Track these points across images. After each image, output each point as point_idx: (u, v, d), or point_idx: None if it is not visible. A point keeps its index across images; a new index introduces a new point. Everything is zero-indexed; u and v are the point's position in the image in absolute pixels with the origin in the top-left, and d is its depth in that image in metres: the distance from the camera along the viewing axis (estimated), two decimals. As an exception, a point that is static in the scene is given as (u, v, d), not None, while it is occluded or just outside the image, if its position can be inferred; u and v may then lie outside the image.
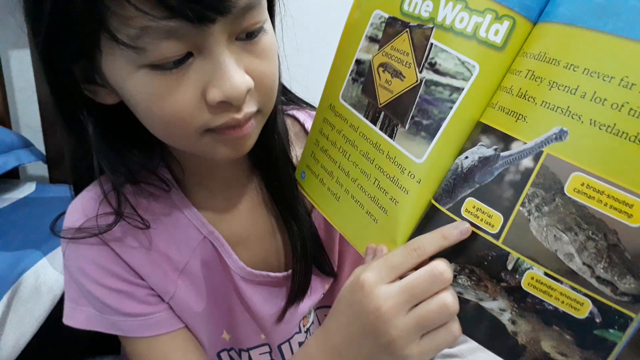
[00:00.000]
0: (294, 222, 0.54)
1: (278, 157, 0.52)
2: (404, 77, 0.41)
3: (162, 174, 0.52)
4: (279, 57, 0.47)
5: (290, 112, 0.57)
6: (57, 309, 0.74)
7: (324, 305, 0.63)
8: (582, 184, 0.33)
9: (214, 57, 0.38)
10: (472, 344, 0.70)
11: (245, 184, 0.55)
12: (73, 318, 0.53)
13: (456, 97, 0.38)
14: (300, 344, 0.60)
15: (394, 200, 0.41)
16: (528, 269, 0.36)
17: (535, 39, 0.37)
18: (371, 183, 0.43)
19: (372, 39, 0.43)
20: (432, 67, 0.39)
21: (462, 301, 0.38)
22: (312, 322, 0.62)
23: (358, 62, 0.44)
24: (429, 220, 0.40)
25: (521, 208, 0.36)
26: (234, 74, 0.39)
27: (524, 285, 0.36)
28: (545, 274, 0.35)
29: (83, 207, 0.51)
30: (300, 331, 0.60)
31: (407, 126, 0.40)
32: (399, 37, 0.41)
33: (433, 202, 0.40)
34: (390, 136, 0.42)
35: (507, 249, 0.36)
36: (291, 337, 0.59)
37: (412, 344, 0.37)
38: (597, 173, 0.32)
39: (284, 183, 0.53)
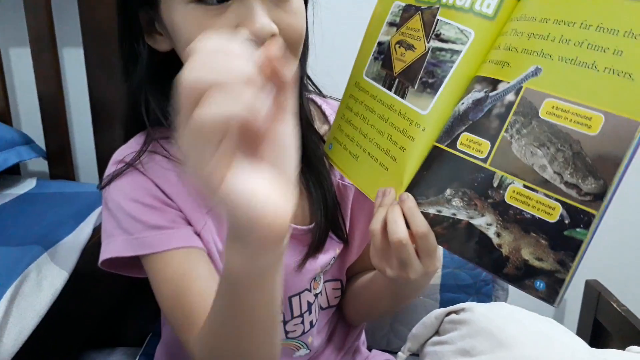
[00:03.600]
0: (317, 182, 0.61)
1: (304, 123, 0.60)
2: (415, 48, 0.50)
3: None
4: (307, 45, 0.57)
5: (310, 96, 0.66)
6: (58, 304, 0.75)
7: (333, 279, 0.70)
8: (553, 107, 0.41)
9: (248, 3, 0.48)
10: (461, 331, 0.72)
11: None
12: (107, 250, 0.58)
13: (456, 58, 0.46)
14: (309, 302, 0.67)
15: (402, 148, 0.49)
16: (510, 183, 0.42)
17: (520, 7, 0.45)
18: (384, 138, 0.51)
19: (391, 24, 0.53)
20: (438, 37, 0.48)
21: (455, 222, 0.45)
22: (321, 292, 0.69)
23: (379, 44, 0.54)
24: (430, 158, 0.48)
25: (505, 134, 0.43)
26: (262, 18, 0.47)
27: (507, 198, 0.43)
28: (524, 186, 0.42)
29: (126, 146, 0.60)
30: (310, 291, 0.66)
31: (415, 86, 0.49)
32: (413, 18, 0.50)
33: (435, 143, 0.48)
34: (402, 97, 0.50)
35: (493, 169, 0.43)
36: (301, 292, 0.65)
37: None
38: (563, 96, 0.40)
39: (308, 147, 0.61)
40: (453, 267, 1.04)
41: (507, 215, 0.43)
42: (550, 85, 0.41)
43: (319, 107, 0.67)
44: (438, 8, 0.48)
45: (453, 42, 0.46)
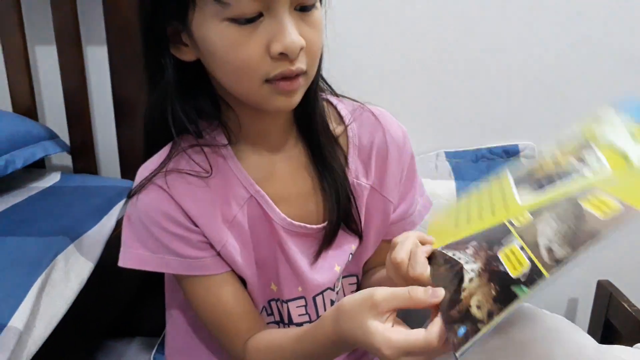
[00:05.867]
0: (330, 179, 0.64)
1: (319, 125, 0.64)
2: (560, 162, 0.53)
3: (221, 134, 0.62)
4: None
5: (325, 96, 0.68)
6: (82, 294, 0.78)
7: (350, 274, 0.73)
8: (594, 197, 0.42)
9: (279, 19, 0.51)
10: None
11: (289, 150, 0.66)
12: (123, 260, 0.63)
13: (576, 176, 0.48)
14: (332, 301, 0.70)
15: (480, 217, 0.54)
16: (512, 242, 0.43)
17: None
18: (484, 203, 0.56)
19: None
20: (580, 158, 0.50)
21: (455, 264, 0.46)
22: (340, 288, 0.72)
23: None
24: (492, 227, 0.50)
25: (547, 211, 0.44)
26: (292, 33, 0.51)
27: (499, 252, 0.43)
28: (520, 246, 0.42)
29: (151, 161, 0.62)
30: (334, 289, 0.69)
31: (535, 184, 0.52)
32: (572, 143, 0.54)
33: (504, 221, 0.50)
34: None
35: (515, 234, 0.44)
36: (324, 291, 0.68)
37: None
38: (609, 191, 0.41)
39: (323, 146, 0.64)
40: (465, 265, 1.06)
41: (489, 265, 0.43)
42: (605, 182, 0.43)
43: (334, 107, 0.69)
44: (594, 145, 0.50)
45: (586, 165, 0.48)
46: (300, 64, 0.53)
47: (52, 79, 1.15)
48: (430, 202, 0.76)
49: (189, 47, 0.56)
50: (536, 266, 0.39)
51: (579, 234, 0.39)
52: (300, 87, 0.56)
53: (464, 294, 0.43)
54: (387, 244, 0.73)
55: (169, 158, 0.61)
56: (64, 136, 1.17)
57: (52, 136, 1.13)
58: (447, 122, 1.16)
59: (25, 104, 1.16)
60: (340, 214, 0.65)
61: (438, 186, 1.05)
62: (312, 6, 0.53)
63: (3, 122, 1.01)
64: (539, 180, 0.51)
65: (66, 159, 1.22)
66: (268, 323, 0.70)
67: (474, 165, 1.12)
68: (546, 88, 1.12)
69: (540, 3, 1.07)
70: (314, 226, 0.66)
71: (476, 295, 0.42)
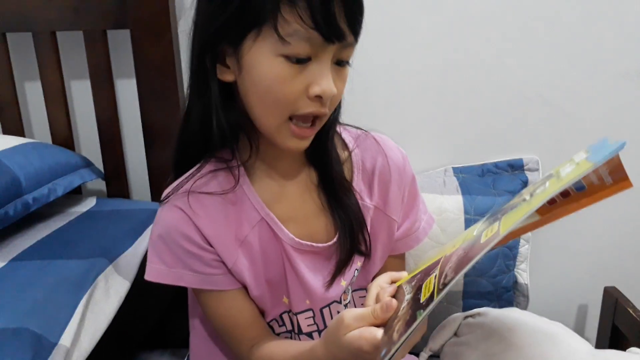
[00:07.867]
0: (340, 208, 0.70)
1: (331, 157, 0.70)
2: (525, 200, 0.54)
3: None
4: None
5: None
6: (119, 310, 0.85)
7: (360, 288, 0.78)
8: (490, 232, 0.46)
9: (322, 66, 0.58)
10: (476, 334, 0.80)
11: (298, 174, 0.72)
12: (147, 274, 0.70)
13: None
14: (339, 312, 0.73)
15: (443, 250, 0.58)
16: (434, 272, 0.48)
17: None
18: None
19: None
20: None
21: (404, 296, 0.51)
22: (349, 301, 0.77)
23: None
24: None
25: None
26: (330, 80, 0.58)
27: (424, 283, 0.48)
28: (435, 275, 0.47)
29: (181, 179, 0.69)
30: (340, 302, 0.75)
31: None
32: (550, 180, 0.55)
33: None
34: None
35: (440, 264, 0.49)
36: (331, 304, 0.74)
37: None
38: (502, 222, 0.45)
39: (332, 175, 0.70)
40: (475, 275, 1.10)
41: (416, 294, 0.49)
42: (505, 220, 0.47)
43: (339, 135, 0.75)
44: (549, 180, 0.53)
45: (533, 197, 0.49)
46: (325, 110, 0.60)
47: (87, 110, 1.25)
48: (433, 219, 0.82)
49: (231, 69, 0.61)
50: (433, 291, 0.44)
51: (464, 259, 0.44)
52: (313, 134, 0.63)
53: (395, 322, 0.49)
54: (393, 259, 0.80)
55: (191, 177, 0.68)
56: (98, 163, 1.26)
57: (88, 164, 1.22)
58: (454, 139, 1.22)
59: (63, 135, 1.25)
60: (350, 237, 0.71)
61: (446, 201, 1.10)
62: (347, 62, 0.61)
63: (45, 154, 1.10)
64: (496, 214, 0.55)
65: (100, 184, 1.31)
66: (280, 333, 0.77)
67: (481, 180, 1.17)
68: (547, 103, 1.17)
69: (539, 20, 1.13)
70: (322, 245, 0.72)
71: (400, 321, 0.47)
